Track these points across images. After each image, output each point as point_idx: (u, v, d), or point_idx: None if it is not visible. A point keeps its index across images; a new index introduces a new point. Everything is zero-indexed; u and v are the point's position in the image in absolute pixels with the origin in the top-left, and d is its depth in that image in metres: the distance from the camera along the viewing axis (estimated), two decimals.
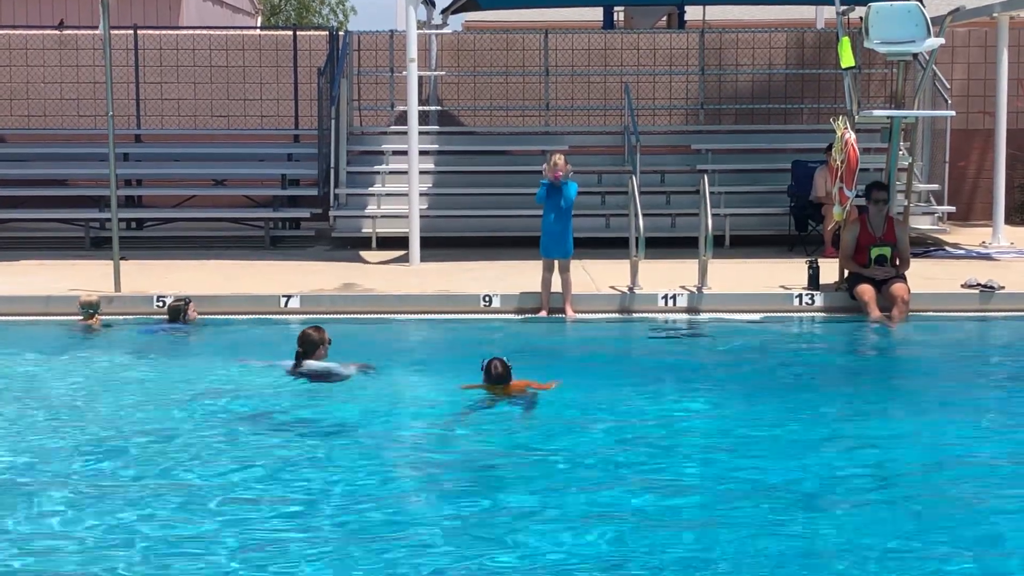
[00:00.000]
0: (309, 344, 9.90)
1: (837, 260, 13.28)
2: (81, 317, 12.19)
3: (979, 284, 13.08)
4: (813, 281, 13.14)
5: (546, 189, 12.67)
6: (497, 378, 9.13)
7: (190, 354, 11.28)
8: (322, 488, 7.26)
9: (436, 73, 19.71)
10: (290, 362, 9.95)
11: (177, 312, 12.10)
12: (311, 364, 9.84)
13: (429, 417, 9.03)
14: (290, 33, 19.94)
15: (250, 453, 7.97)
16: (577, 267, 13.03)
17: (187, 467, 7.67)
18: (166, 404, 9.20)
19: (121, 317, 12.49)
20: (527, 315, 12.75)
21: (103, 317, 12.30)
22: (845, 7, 14.10)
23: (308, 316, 12.57)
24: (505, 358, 9.21)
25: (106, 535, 6.51)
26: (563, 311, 12.71)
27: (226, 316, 12.56)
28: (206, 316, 12.23)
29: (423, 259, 15.23)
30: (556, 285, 12.76)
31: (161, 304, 12.70)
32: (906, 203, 14.05)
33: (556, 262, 12.73)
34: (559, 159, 12.72)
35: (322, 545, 6.37)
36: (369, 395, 9.49)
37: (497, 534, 6.50)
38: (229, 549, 6.31)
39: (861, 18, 13.38)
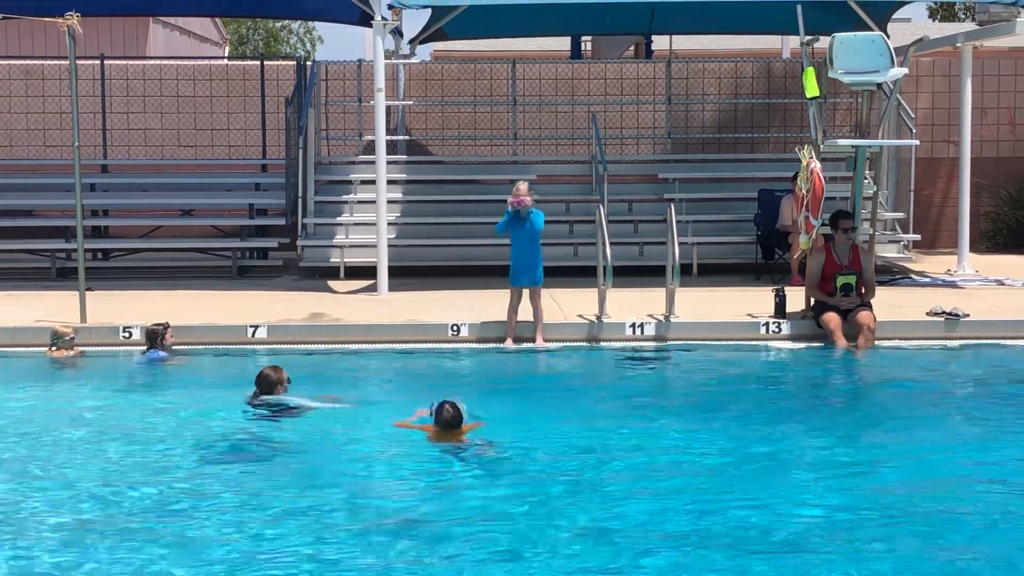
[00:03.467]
0: (266, 384, 9.84)
1: (803, 288, 13.34)
2: (55, 347, 12.12)
3: (944, 312, 13.16)
4: (780, 309, 13.18)
5: (509, 218, 12.74)
6: (447, 423, 8.67)
7: (154, 384, 11.28)
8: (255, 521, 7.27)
9: (404, 103, 19.75)
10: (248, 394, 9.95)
11: (154, 336, 12.04)
12: (267, 397, 9.80)
13: (379, 455, 8.87)
14: (257, 63, 19.93)
15: (186, 485, 7.98)
16: (545, 296, 13.04)
17: (132, 496, 7.72)
18: (121, 434, 9.25)
19: (87, 348, 12.41)
20: (494, 344, 12.74)
21: (80, 348, 12.26)
22: (810, 37, 14.19)
23: (276, 346, 12.55)
24: (458, 400, 8.82)
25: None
26: (532, 340, 12.71)
27: (193, 346, 12.52)
28: (173, 346, 12.18)
29: (391, 288, 15.21)
30: (523, 315, 12.77)
31: (128, 335, 12.65)
32: (871, 231, 14.13)
33: (525, 291, 12.76)
34: (522, 186, 12.79)
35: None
36: (323, 428, 9.39)
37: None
38: None
39: (826, 48, 13.48)
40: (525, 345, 12.66)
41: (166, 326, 12.10)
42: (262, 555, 6.68)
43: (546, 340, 12.73)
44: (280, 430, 9.35)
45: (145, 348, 12.06)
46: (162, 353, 11.92)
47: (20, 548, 6.80)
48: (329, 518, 7.31)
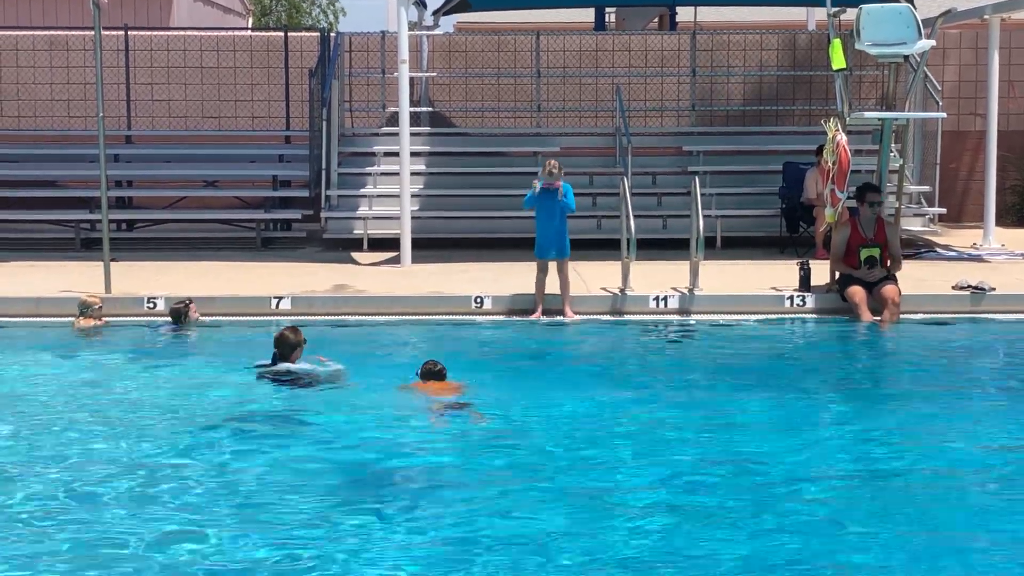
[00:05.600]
0: (285, 346, 9.87)
1: (828, 262, 13.29)
2: (82, 317, 12.15)
3: (970, 286, 13.10)
4: (804, 283, 13.14)
5: (535, 193, 12.69)
6: (427, 372, 9.36)
7: (178, 354, 11.34)
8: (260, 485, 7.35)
9: (427, 74, 19.71)
10: (266, 361, 9.96)
11: (178, 314, 12.07)
12: (286, 365, 9.83)
13: (392, 422, 8.91)
14: (281, 34, 19.91)
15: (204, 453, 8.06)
16: (569, 268, 13.01)
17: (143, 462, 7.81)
18: (141, 404, 9.34)
19: (111, 318, 12.44)
20: (521, 317, 12.71)
21: (105, 318, 12.31)
22: (836, 9, 14.10)
23: (299, 318, 12.56)
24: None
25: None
26: (559, 312, 12.68)
27: (217, 318, 12.54)
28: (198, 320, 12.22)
29: (414, 260, 15.22)
30: (548, 287, 12.75)
31: (152, 306, 12.69)
32: (897, 204, 14.06)
33: (553, 263, 12.73)
34: (554, 166, 12.68)
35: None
36: (338, 399, 9.43)
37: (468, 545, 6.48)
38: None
39: (852, 20, 13.39)
40: (555, 318, 12.62)
41: (188, 302, 12.09)
42: (266, 520, 6.76)
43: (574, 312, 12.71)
44: (290, 398, 9.40)
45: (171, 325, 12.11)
46: (172, 325, 11.99)
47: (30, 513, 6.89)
48: (329, 482, 7.41)
